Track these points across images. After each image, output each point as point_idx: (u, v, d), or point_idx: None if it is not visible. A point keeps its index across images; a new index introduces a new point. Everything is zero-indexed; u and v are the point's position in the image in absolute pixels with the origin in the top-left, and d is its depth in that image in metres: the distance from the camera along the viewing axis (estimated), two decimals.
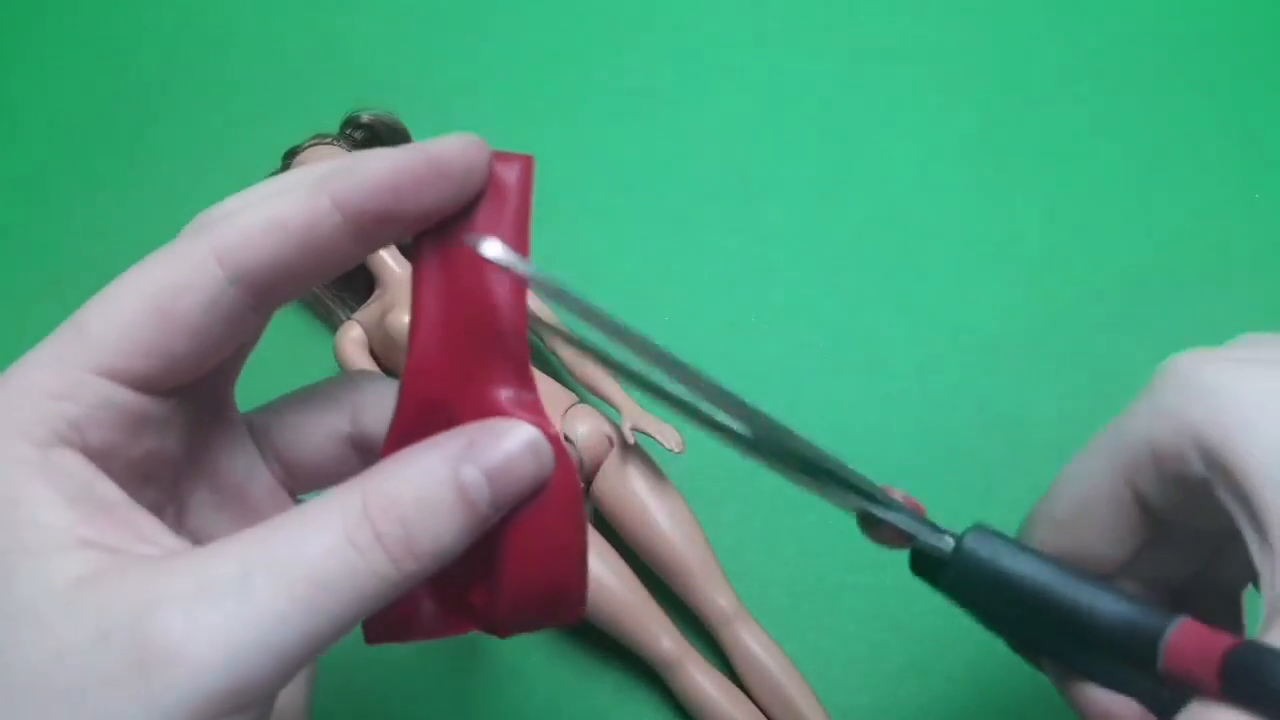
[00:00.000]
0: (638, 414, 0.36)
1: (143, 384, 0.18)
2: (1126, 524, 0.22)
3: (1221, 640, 0.18)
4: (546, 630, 0.21)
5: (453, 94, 0.48)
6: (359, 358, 0.39)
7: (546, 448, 0.20)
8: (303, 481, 0.23)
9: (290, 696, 0.21)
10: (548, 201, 0.46)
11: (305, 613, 0.16)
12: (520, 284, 0.20)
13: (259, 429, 0.23)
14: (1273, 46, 0.48)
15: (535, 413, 0.20)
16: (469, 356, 0.20)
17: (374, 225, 0.19)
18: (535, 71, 0.48)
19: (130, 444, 0.19)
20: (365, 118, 0.43)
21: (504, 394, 0.20)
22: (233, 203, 0.20)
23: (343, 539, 0.17)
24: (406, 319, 0.37)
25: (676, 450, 0.36)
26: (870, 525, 0.23)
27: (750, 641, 0.35)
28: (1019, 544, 0.22)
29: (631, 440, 0.36)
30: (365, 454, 0.23)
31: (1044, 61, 0.48)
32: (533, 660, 0.37)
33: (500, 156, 0.21)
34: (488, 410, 0.20)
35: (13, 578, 0.16)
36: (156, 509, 0.20)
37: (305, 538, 0.17)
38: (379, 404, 0.22)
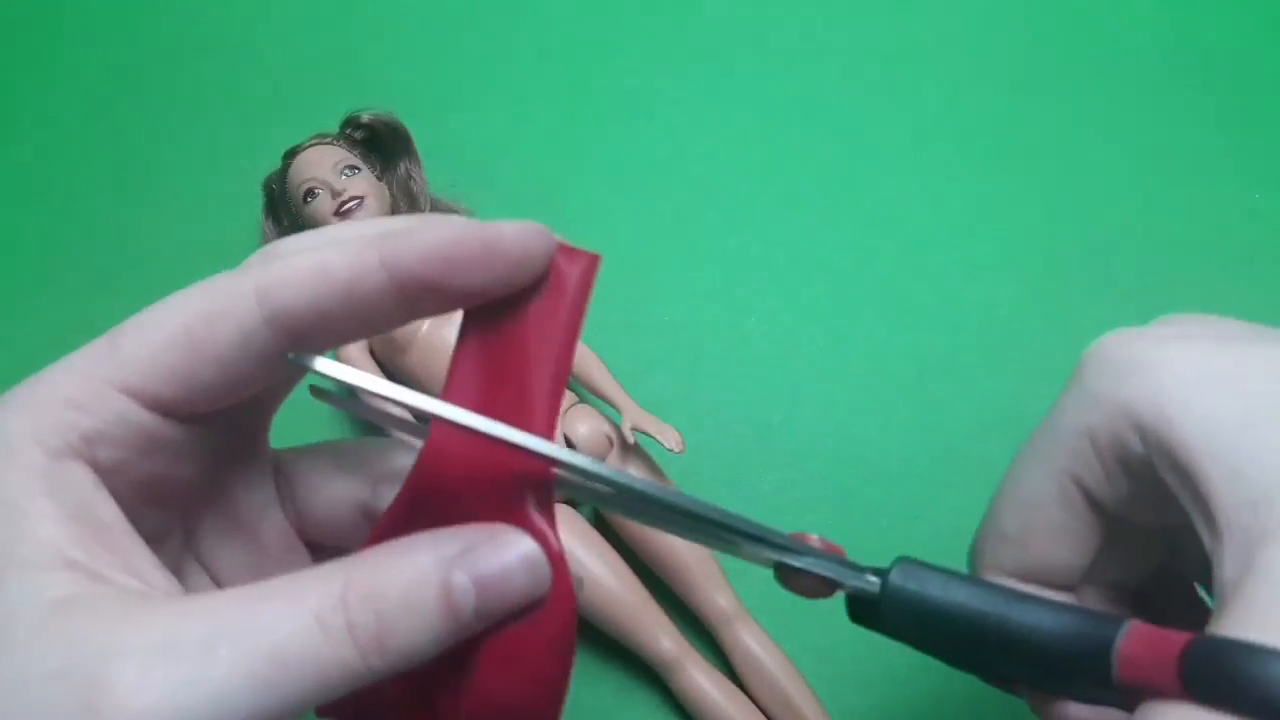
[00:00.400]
0: (638, 414, 0.36)
1: (162, 407, 0.18)
2: (1081, 526, 0.21)
3: (1175, 639, 0.17)
4: None
5: (453, 94, 0.48)
6: (360, 359, 0.39)
7: (546, 568, 0.19)
8: (314, 534, 0.23)
9: None
10: (548, 202, 0.46)
11: (261, 689, 0.16)
12: (564, 372, 0.19)
13: (283, 471, 0.23)
14: (1273, 47, 0.48)
15: (549, 524, 0.19)
16: (496, 448, 0.19)
17: (418, 292, 0.18)
18: (535, 71, 0.48)
19: (140, 464, 0.19)
20: (365, 118, 0.43)
21: (522, 497, 0.19)
22: (289, 244, 0.20)
23: (313, 621, 0.16)
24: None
25: (677, 450, 0.36)
26: (789, 577, 0.21)
27: (750, 641, 0.35)
28: (948, 572, 0.21)
29: (632, 440, 0.36)
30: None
31: (1045, 63, 0.48)
32: None
33: (566, 250, 0.20)
34: (502, 510, 0.19)
35: (2, 589, 0.16)
36: (161, 533, 0.20)
37: (278, 612, 0.16)
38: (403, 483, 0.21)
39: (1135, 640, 0.18)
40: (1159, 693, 0.17)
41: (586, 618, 0.35)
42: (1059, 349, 0.42)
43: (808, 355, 0.42)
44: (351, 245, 0.18)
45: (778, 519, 0.39)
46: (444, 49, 0.49)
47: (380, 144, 0.43)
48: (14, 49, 0.49)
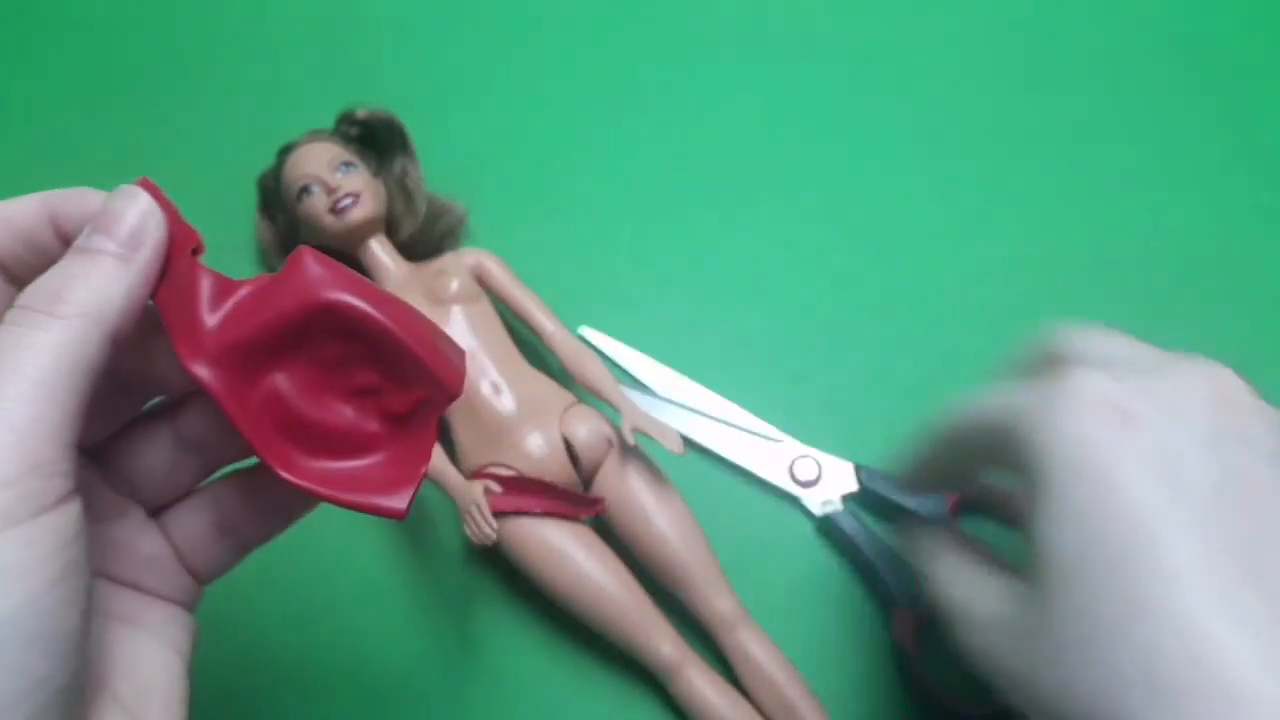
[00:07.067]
0: (638, 415, 0.36)
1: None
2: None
3: None
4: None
5: (452, 93, 0.47)
6: None
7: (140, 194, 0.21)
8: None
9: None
10: (547, 201, 0.46)
11: (28, 395, 0.19)
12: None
13: None
14: (1275, 46, 0.48)
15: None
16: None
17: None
18: (534, 70, 0.48)
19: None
20: (361, 114, 0.42)
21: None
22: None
23: (13, 328, 0.19)
24: None
25: (676, 452, 0.35)
26: None
27: (752, 646, 0.35)
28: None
29: (632, 442, 0.35)
30: None
31: (1046, 61, 0.48)
32: (531, 666, 0.36)
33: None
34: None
35: None
36: None
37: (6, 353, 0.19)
38: None
39: None
40: None
41: (587, 623, 0.35)
42: None
43: (808, 355, 0.42)
44: (32, 201, 0.22)
45: (778, 521, 0.38)
46: (443, 48, 0.48)
47: (376, 140, 0.42)
48: (8, 45, 0.49)
